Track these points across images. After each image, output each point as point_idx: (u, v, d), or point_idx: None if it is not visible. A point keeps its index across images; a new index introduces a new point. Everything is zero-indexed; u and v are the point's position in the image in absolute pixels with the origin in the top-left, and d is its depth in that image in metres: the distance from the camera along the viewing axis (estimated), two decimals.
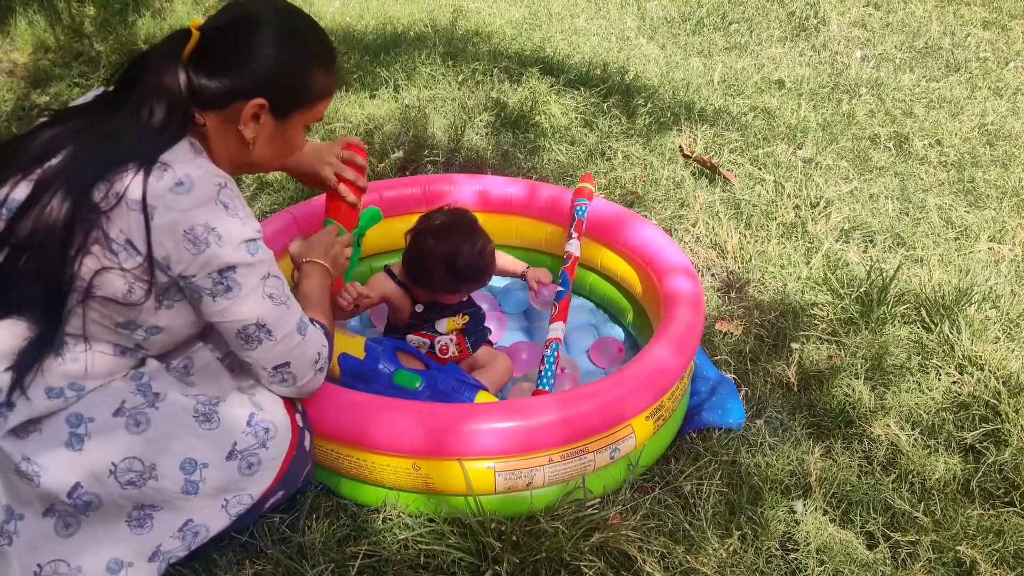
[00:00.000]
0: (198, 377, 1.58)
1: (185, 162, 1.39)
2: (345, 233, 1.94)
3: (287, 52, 1.47)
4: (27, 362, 1.37)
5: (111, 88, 1.48)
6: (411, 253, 2.12)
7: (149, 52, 1.46)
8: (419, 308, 2.15)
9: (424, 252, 2.07)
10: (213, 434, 1.50)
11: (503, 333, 2.41)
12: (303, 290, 1.75)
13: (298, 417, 1.63)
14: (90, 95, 1.53)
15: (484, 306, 2.35)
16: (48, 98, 3.96)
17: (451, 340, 2.15)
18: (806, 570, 1.66)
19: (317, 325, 1.62)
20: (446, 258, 2.05)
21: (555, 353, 2.07)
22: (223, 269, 1.39)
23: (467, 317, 2.19)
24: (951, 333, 2.31)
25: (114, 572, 1.44)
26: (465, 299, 2.22)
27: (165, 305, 1.44)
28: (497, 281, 2.61)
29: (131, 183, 1.34)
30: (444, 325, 2.15)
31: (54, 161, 1.37)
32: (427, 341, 2.14)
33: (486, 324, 2.29)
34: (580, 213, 2.38)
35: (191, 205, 1.36)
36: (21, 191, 1.37)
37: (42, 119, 1.47)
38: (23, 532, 1.41)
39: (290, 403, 1.63)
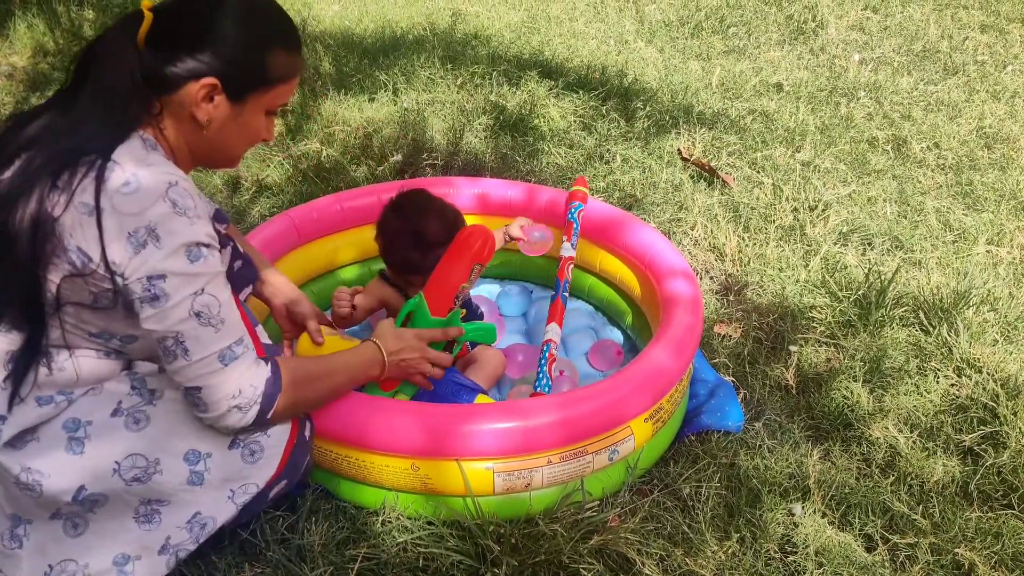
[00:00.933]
0: None
1: (136, 160, 1.33)
2: (426, 318, 1.86)
3: (242, 30, 1.41)
4: (20, 371, 1.36)
5: (66, 83, 1.42)
6: (383, 245, 2.13)
7: (100, 38, 1.40)
8: None
9: (389, 237, 2.09)
10: (204, 431, 1.49)
11: (502, 336, 2.41)
12: (342, 358, 1.69)
13: None
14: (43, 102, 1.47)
15: (483, 308, 2.35)
16: None
17: None
18: (805, 572, 1.66)
19: (267, 366, 1.48)
20: (410, 229, 2.06)
21: (547, 354, 2.06)
22: (153, 276, 1.32)
23: (463, 311, 2.19)
24: (949, 336, 2.31)
25: (120, 566, 1.44)
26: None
27: (134, 312, 1.37)
28: (494, 285, 2.62)
29: (81, 184, 1.29)
30: None
31: (16, 166, 1.34)
32: None
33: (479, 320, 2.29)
34: (572, 215, 2.38)
35: (136, 206, 1.29)
36: None
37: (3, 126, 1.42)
38: (33, 536, 1.41)
39: None
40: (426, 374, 1.78)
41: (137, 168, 1.31)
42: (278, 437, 1.56)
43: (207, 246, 1.37)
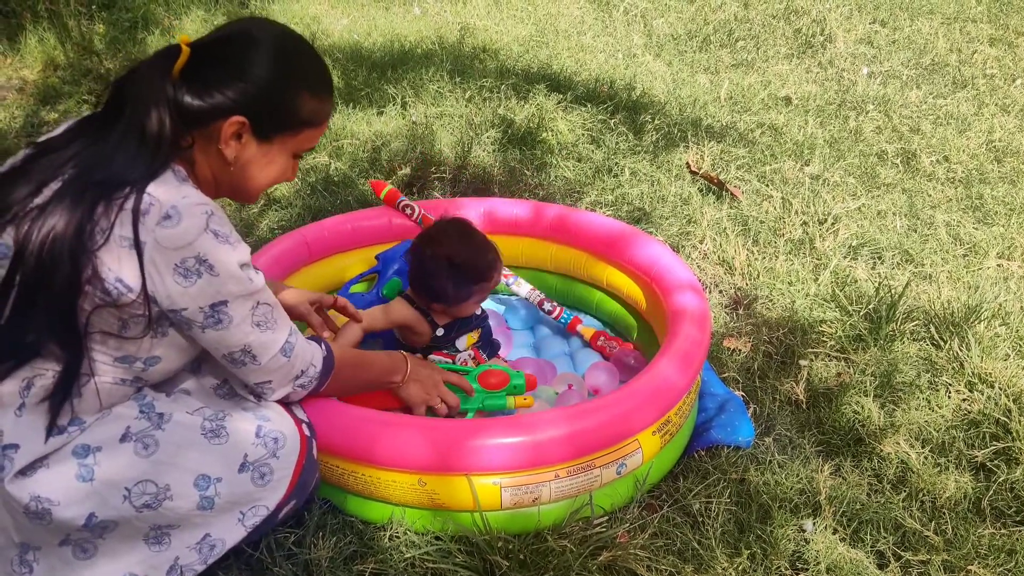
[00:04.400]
0: (199, 399, 1.57)
1: (170, 191, 1.35)
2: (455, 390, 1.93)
3: (274, 71, 1.43)
4: (59, 399, 1.37)
5: (97, 111, 1.44)
6: (414, 269, 2.10)
7: (135, 70, 1.42)
8: (440, 332, 2.12)
9: (425, 262, 2.06)
10: (223, 448, 1.49)
11: (509, 349, 2.41)
12: (376, 355, 1.83)
13: (304, 427, 1.63)
14: (61, 127, 1.47)
15: (492, 323, 2.35)
16: (57, 115, 3.98)
17: (469, 355, 2.15)
18: None
19: (321, 348, 1.62)
20: (447, 259, 2.03)
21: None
22: (215, 304, 1.38)
23: (480, 330, 2.18)
24: (960, 350, 2.30)
25: None
26: (479, 311, 2.21)
27: (160, 333, 1.42)
28: (503, 299, 2.62)
29: (119, 217, 1.31)
30: (464, 342, 2.15)
31: (44, 196, 1.33)
32: (448, 361, 2.12)
33: (494, 340, 2.29)
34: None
35: (180, 239, 1.33)
36: (8, 234, 1.33)
37: (24, 152, 1.42)
38: (43, 560, 1.41)
39: (293, 413, 1.62)
40: (432, 406, 1.86)
41: (174, 200, 1.34)
42: (287, 459, 1.56)
43: (249, 263, 1.44)
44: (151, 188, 1.34)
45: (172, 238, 1.33)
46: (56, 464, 1.38)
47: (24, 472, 1.36)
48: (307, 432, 1.63)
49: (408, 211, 2.51)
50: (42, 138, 1.46)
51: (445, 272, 2.03)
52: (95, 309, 1.34)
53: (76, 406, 1.40)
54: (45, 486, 1.36)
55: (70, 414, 1.39)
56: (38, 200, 1.33)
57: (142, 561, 1.45)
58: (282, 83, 1.45)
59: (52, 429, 1.37)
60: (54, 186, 1.34)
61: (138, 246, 1.32)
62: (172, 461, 1.45)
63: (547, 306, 2.44)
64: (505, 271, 2.45)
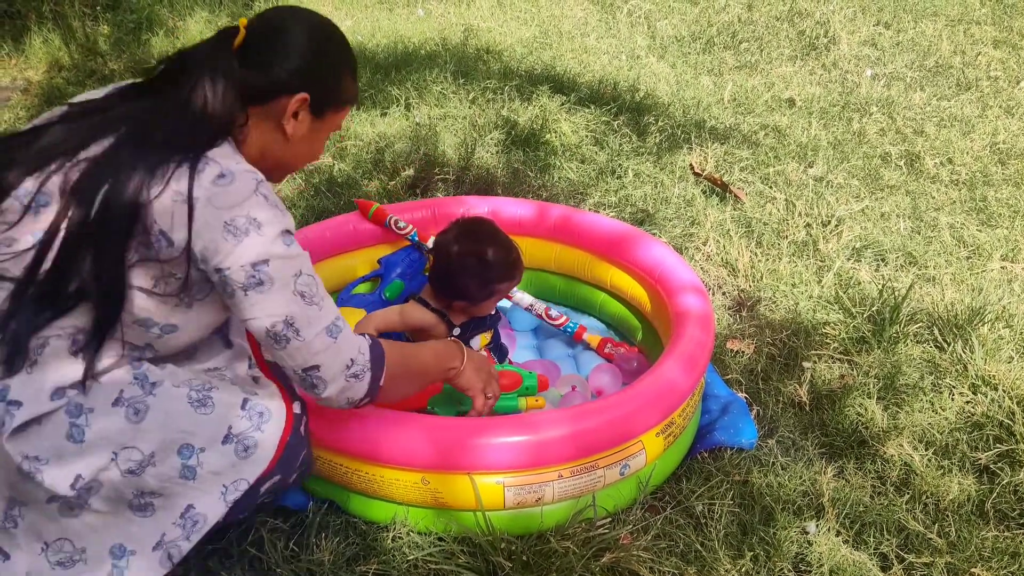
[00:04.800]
0: (191, 374, 1.56)
1: (226, 158, 1.40)
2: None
3: (325, 52, 1.53)
4: (93, 348, 1.38)
5: (150, 79, 1.49)
6: (438, 268, 2.09)
7: (196, 47, 1.48)
8: (456, 332, 2.11)
9: (452, 260, 2.04)
10: (209, 418, 1.49)
11: (513, 350, 2.41)
12: (425, 344, 1.78)
13: (296, 405, 1.62)
14: (100, 91, 1.52)
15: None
16: None
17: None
18: None
19: (366, 338, 1.58)
20: (476, 257, 2.03)
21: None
22: (257, 263, 1.38)
23: (491, 331, 2.19)
24: (964, 352, 2.30)
25: (118, 558, 1.44)
26: (493, 312, 2.21)
27: (185, 303, 1.44)
28: (505, 300, 2.62)
29: (175, 174, 1.35)
30: (477, 342, 2.15)
31: (93, 151, 1.37)
32: None
33: (502, 344, 2.29)
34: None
35: (233, 198, 1.36)
36: (54, 183, 1.36)
37: (61, 110, 1.46)
38: (28, 516, 1.41)
39: (287, 392, 1.62)
40: (481, 397, 1.82)
41: (230, 165, 1.39)
42: (272, 432, 1.55)
43: (293, 233, 1.45)
44: (209, 153, 1.38)
45: (225, 196, 1.36)
46: (49, 423, 1.38)
47: (21, 429, 1.36)
48: (297, 410, 1.62)
49: (399, 228, 2.48)
50: (78, 98, 1.50)
51: (473, 269, 2.03)
52: (136, 263, 1.36)
53: (73, 367, 1.39)
54: (37, 446, 1.37)
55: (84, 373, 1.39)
56: (86, 153, 1.37)
57: (129, 534, 1.45)
58: (333, 62, 1.55)
59: (87, 379, 1.39)
60: (105, 142, 1.37)
61: (191, 201, 1.34)
62: (159, 429, 1.44)
63: (553, 313, 2.43)
64: None
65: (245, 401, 1.53)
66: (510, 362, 2.24)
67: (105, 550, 1.44)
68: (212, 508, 1.50)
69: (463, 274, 2.04)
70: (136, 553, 1.45)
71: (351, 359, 1.51)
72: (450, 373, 1.77)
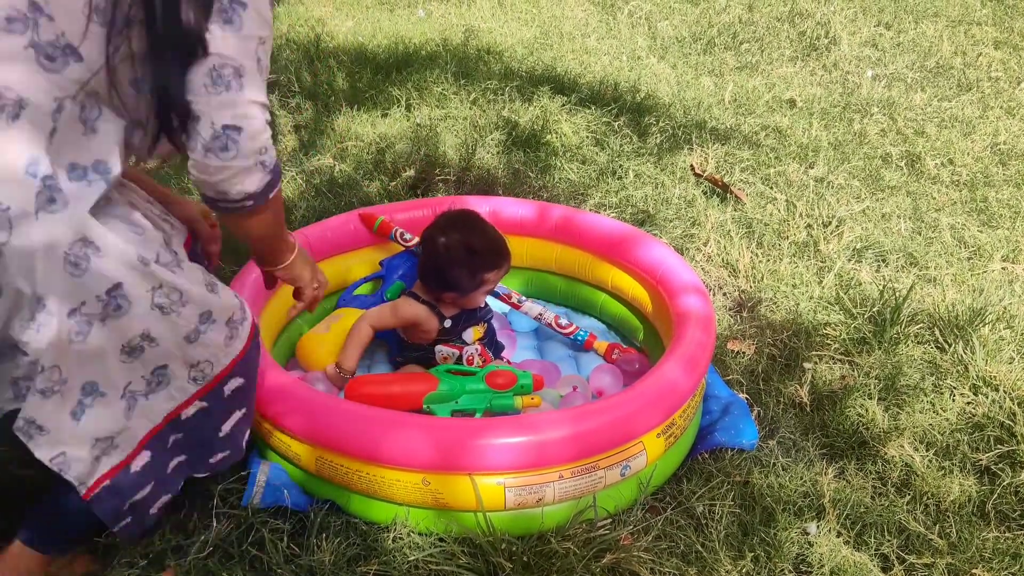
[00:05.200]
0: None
1: None
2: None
3: None
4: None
5: None
6: (426, 260, 2.13)
7: None
8: (447, 323, 2.14)
9: (439, 251, 2.09)
10: (219, 300, 1.54)
11: (514, 351, 2.41)
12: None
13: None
14: None
15: (495, 324, 2.35)
16: None
17: (476, 351, 2.17)
18: None
19: None
20: (463, 246, 2.07)
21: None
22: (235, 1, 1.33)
23: (485, 325, 2.20)
24: (965, 353, 2.30)
25: (88, 395, 1.42)
26: (484, 305, 2.23)
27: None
28: (504, 303, 2.62)
29: None
30: (470, 335, 2.17)
31: None
32: (456, 352, 2.15)
33: (498, 341, 2.30)
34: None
35: None
36: None
37: None
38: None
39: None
40: (309, 289, 1.79)
41: None
42: (245, 331, 1.61)
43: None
44: None
45: None
46: (111, 213, 1.39)
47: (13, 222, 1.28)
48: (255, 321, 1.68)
49: (405, 240, 2.46)
50: None
51: (461, 259, 2.06)
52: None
53: (90, 143, 1.35)
54: (97, 231, 1.34)
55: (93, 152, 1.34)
56: None
57: (104, 366, 1.42)
58: None
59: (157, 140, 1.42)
60: None
61: None
62: (197, 284, 1.50)
63: (563, 321, 2.40)
64: (513, 292, 2.45)
65: (236, 294, 1.61)
66: (507, 361, 2.24)
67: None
68: (181, 384, 1.54)
69: (451, 264, 2.07)
70: (106, 396, 1.44)
71: (266, 147, 1.42)
72: (284, 257, 1.71)
